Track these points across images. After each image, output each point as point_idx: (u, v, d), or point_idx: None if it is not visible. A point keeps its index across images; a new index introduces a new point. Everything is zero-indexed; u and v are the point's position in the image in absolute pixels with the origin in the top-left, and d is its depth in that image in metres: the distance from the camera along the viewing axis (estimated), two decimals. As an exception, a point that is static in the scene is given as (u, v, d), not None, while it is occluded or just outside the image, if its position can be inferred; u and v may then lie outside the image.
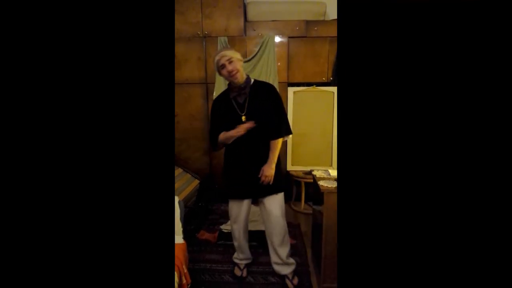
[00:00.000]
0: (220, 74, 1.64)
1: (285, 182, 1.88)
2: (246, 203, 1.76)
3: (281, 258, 1.78)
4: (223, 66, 1.59)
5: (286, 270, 1.80)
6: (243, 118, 1.63)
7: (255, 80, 1.72)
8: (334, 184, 1.70)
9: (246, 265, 1.97)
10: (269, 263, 1.98)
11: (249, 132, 1.60)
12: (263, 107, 1.64)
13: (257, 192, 1.71)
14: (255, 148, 1.65)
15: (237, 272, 1.94)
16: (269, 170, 1.64)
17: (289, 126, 1.71)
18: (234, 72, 1.58)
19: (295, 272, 1.83)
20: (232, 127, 1.62)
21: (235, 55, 1.60)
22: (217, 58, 1.59)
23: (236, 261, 1.98)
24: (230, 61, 1.58)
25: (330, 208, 1.67)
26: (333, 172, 1.94)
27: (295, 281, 1.80)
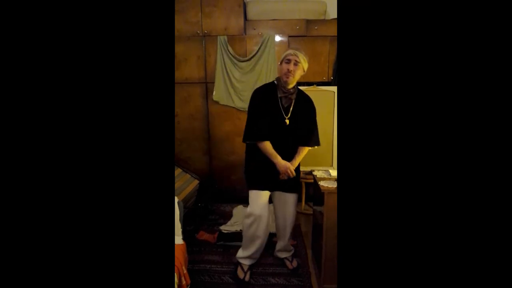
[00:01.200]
0: (280, 65, 1.69)
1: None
2: (265, 194, 1.83)
3: (286, 245, 1.98)
4: (289, 61, 1.64)
5: (287, 254, 2.03)
6: (287, 121, 1.74)
7: (300, 90, 1.81)
8: (334, 185, 1.69)
9: (250, 267, 1.92)
10: (269, 264, 1.98)
11: (290, 135, 1.75)
12: (303, 117, 1.77)
13: (280, 187, 1.83)
14: (287, 150, 1.77)
15: (240, 274, 1.87)
16: (287, 169, 1.74)
17: (318, 138, 1.84)
18: (291, 74, 1.64)
19: (293, 256, 2.05)
20: (275, 125, 1.72)
21: (303, 64, 1.66)
22: (290, 51, 1.65)
23: (241, 260, 1.91)
24: (296, 63, 1.64)
25: (330, 209, 1.67)
26: (334, 172, 1.93)
27: (294, 263, 1.99)
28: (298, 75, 1.67)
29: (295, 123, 1.75)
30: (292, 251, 2.06)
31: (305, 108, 1.78)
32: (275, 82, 1.76)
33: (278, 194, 1.88)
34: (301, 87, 2.81)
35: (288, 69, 1.63)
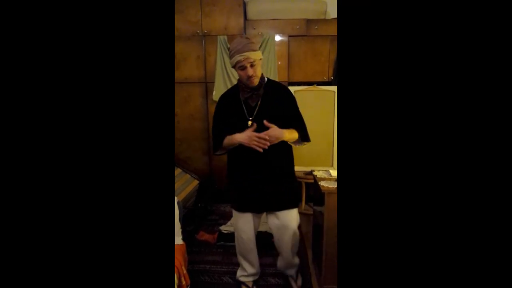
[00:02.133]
0: (237, 71, 1.43)
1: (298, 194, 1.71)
2: (255, 217, 1.59)
3: (290, 262, 1.73)
4: (243, 67, 1.39)
5: (291, 271, 1.79)
6: (249, 123, 1.45)
7: (268, 80, 1.53)
8: (335, 185, 1.69)
9: (255, 282, 1.78)
10: (269, 265, 1.97)
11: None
12: (276, 112, 1.45)
13: (269, 206, 1.53)
14: (265, 154, 1.41)
15: None
16: (275, 133, 1.38)
17: (307, 133, 1.54)
18: (253, 78, 1.40)
19: (298, 271, 1.81)
20: (237, 131, 1.45)
21: (258, 57, 1.39)
22: (239, 57, 1.36)
23: (242, 279, 1.75)
24: (252, 65, 1.38)
25: (331, 209, 1.66)
26: (334, 173, 1.93)
27: (299, 282, 1.79)
28: (260, 69, 1.43)
29: (263, 121, 1.41)
30: (297, 266, 1.78)
31: (277, 102, 1.47)
32: (238, 83, 1.52)
33: (271, 215, 1.58)
34: (301, 87, 2.84)
35: (248, 75, 1.39)
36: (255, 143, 1.37)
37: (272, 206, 1.54)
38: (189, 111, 2.96)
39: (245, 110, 1.49)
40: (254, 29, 2.86)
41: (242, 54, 1.36)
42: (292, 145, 1.56)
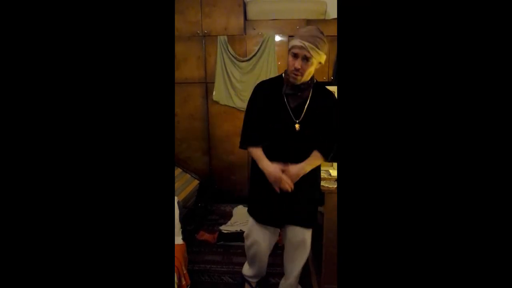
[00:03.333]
0: (288, 57, 1.27)
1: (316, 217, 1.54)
2: (273, 230, 1.49)
3: (292, 285, 1.63)
4: (296, 56, 1.23)
5: None
6: (297, 126, 1.31)
7: (317, 83, 1.37)
8: (335, 185, 1.69)
9: (258, 283, 1.75)
10: (269, 265, 1.97)
11: (298, 145, 1.33)
12: (321, 122, 1.32)
13: (284, 220, 1.43)
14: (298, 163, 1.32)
15: None
16: (295, 174, 1.29)
17: (335, 152, 1.36)
18: (299, 73, 1.25)
19: None
20: (281, 131, 1.33)
21: (318, 57, 1.23)
22: (297, 42, 1.20)
23: (248, 278, 1.70)
24: (306, 58, 1.22)
25: (331, 209, 1.66)
26: (334, 173, 1.93)
27: None
28: (309, 73, 1.27)
29: (310, 126, 1.32)
30: None
31: (324, 106, 1.33)
32: (283, 75, 1.36)
33: (288, 229, 1.47)
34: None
35: (294, 67, 1.23)
36: (278, 185, 1.29)
37: (290, 220, 1.43)
38: (189, 111, 2.96)
39: (290, 111, 1.32)
40: (254, 29, 2.86)
41: (304, 42, 1.19)
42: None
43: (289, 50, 1.26)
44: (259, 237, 1.49)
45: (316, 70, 3.06)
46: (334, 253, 1.69)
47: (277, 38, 2.80)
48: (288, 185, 1.29)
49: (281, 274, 1.91)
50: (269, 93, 1.36)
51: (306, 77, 1.28)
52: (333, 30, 2.79)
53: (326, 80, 2.88)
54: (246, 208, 2.84)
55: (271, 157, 1.34)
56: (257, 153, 1.36)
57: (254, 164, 1.42)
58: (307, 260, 1.93)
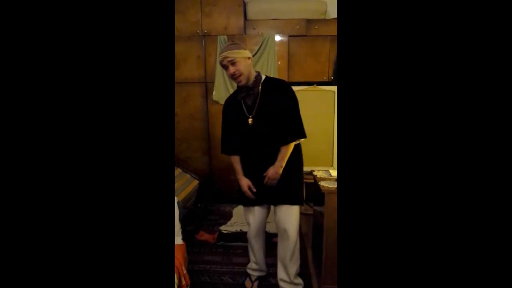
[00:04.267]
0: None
1: (303, 194, 1.71)
2: (258, 210, 1.65)
3: (288, 276, 1.64)
4: (226, 67, 1.47)
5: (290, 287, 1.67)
6: (250, 120, 1.51)
7: (266, 78, 1.56)
8: (335, 185, 1.69)
9: (258, 278, 1.82)
10: (269, 265, 1.97)
11: (259, 136, 1.52)
12: (274, 109, 1.49)
13: (269, 199, 1.61)
14: (266, 152, 1.53)
15: (248, 284, 1.81)
16: (274, 173, 1.51)
17: (302, 129, 1.55)
18: (236, 75, 1.46)
19: None
20: (240, 130, 1.55)
21: (239, 55, 1.43)
22: (219, 58, 1.47)
23: (249, 271, 1.83)
24: (232, 63, 1.44)
25: (331, 209, 1.66)
26: (334, 173, 1.93)
27: None
28: (244, 67, 1.46)
29: (263, 119, 1.50)
30: (301, 287, 1.70)
31: (276, 97, 1.50)
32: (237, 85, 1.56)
33: (275, 208, 1.62)
34: (301, 87, 2.84)
35: (231, 74, 1.46)
36: (248, 193, 1.57)
37: (273, 200, 1.61)
38: (189, 111, 2.95)
39: (244, 109, 1.55)
40: (254, 29, 2.85)
41: (221, 55, 1.45)
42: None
43: (222, 68, 1.52)
44: (248, 219, 1.70)
45: (316, 70, 3.02)
46: (334, 253, 1.69)
47: (277, 38, 2.80)
48: (272, 181, 1.53)
49: (281, 274, 1.91)
50: (231, 103, 1.62)
51: (248, 76, 1.49)
52: (333, 30, 2.79)
53: (326, 80, 2.88)
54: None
55: (241, 151, 1.60)
56: (234, 163, 1.63)
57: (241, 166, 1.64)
58: (307, 260, 1.93)
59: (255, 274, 1.82)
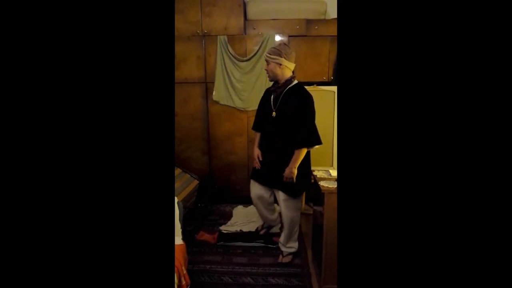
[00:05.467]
0: None
1: (305, 188, 2.00)
2: (256, 184, 2.06)
3: (283, 242, 2.04)
4: (267, 62, 1.84)
5: (285, 251, 2.06)
6: (273, 113, 1.88)
7: (296, 85, 1.88)
8: (334, 185, 1.69)
9: (267, 227, 2.34)
10: (269, 265, 1.97)
11: (274, 129, 1.87)
12: (289, 111, 1.81)
13: (270, 182, 1.99)
14: (274, 141, 1.89)
15: (259, 226, 2.39)
16: (289, 173, 1.81)
17: (317, 136, 1.81)
18: (267, 72, 1.87)
19: (293, 255, 2.08)
20: (265, 117, 1.93)
21: (274, 59, 1.79)
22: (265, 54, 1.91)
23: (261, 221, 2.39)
24: (267, 62, 1.83)
25: (330, 209, 1.66)
26: (334, 173, 1.93)
27: (286, 259, 2.05)
28: (275, 68, 1.82)
29: (281, 116, 1.84)
30: (293, 250, 2.06)
31: (293, 102, 1.80)
32: None
33: (275, 190, 2.02)
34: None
35: (266, 69, 1.87)
36: (255, 162, 2.02)
37: (274, 185, 1.96)
38: (189, 111, 2.95)
39: (271, 102, 1.91)
40: (254, 29, 2.85)
41: (266, 54, 1.85)
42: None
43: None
44: (252, 188, 2.10)
45: (316, 70, 3.02)
46: (334, 253, 1.69)
47: (277, 38, 2.80)
48: (288, 180, 1.83)
49: (281, 274, 1.91)
50: (265, 93, 2.02)
51: (276, 75, 1.84)
52: (333, 30, 2.78)
53: (326, 80, 2.88)
54: (246, 208, 2.83)
55: (263, 135, 2.00)
56: (256, 137, 2.09)
57: (259, 145, 2.05)
58: (307, 260, 1.92)
59: (264, 225, 2.34)
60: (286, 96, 1.84)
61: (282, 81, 1.85)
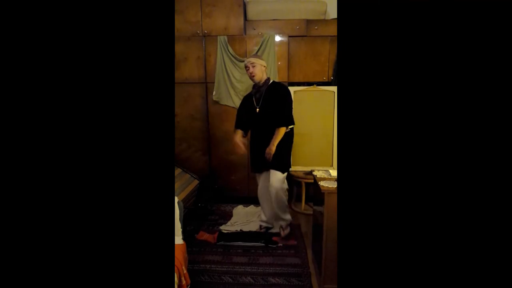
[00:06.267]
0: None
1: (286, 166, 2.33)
2: (261, 176, 2.35)
3: (277, 215, 2.33)
4: (247, 68, 2.17)
5: (283, 224, 2.34)
6: (257, 110, 2.22)
7: (273, 82, 2.25)
8: (334, 185, 1.69)
9: (267, 228, 2.48)
10: (269, 265, 1.97)
11: (262, 121, 2.18)
12: (272, 103, 2.17)
13: (263, 167, 2.27)
14: (264, 135, 2.18)
15: (258, 229, 2.50)
16: (268, 150, 2.13)
17: (291, 118, 2.18)
18: (252, 74, 2.17)
19: (288, 226, 2.37)
20: (250, 116, 2.25)
21: (259, 62, 2.16)
22: (245, 62, 2.20)
23: (260, 223, 2.51)
24: (253, 65, 2.15)
25: (330, 209, 1.66)
26: (334, 173, 1.93)
27: (287, 230, 2.35)
28: (259, 71, 2.17)
29: (265, 109, 2.19)
30: (287, 221, 2.36)
31: (275, 95, 2.18)
32: (253, 86, 2.29)
33: (265, 173, 2.35)
34: (301, 87, 2.85)
35: (249, 73, 2.18)
36: (237, 148, 2.30)
37: (265, 167, 2.27)
38: (189, 111, 2.95)
39: (254, 101, 2.25)
40: (254, 29, 2.86)
41: (247, 60, 2.19)
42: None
43: (245, 69, 2.23)
44: (257, 182, 2.41)
45: (316, 71, 3.03)
46: (334, 253, 1.69)
47: (277, 38, 2.80)
48: (269, 155, 2.15)
49: (281, 274, 1.91)
50: (246, 96, 2.37)
51: (260, 77, 2.19)
52: (333, 30, 2.79)
53: (326, 80, 2.88)
54: (246, 208, 2.84)
55: (248, 129, 2.34)
56: (236, 133, 2.35)
57: (250, 142, 2.36)
58: (307, 260, 1.92)
59: (263, 225, 2.48)
60: (267, 93, 2.20)
61: (263, 81, 2.20)
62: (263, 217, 2.49)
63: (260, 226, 2.51)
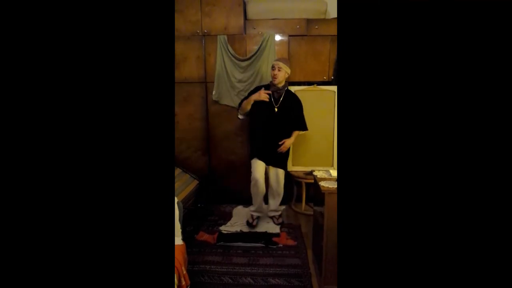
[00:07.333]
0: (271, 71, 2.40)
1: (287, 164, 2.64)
2: (259, 163, 2.47)
3: (274, 208, 2.62)
4: (273, 68, 2.34)
5: (275, 213, 2.65)
6: (276, 109, 2.41)
7: (288, 89, 2.50)
8: (335, 185, 1.69)
9: (258, 218, 2.62)
10: (269, 265, 1.97)
11: (278, 120, 2.41)
12: (290, 108, 2.45)
13: (273, 162, 2.50)
14: (277, 131, 2.43)
15: (250, 220, 2.57)
16: (286, 144, 2.43)
17: (305, 125, 2.52)
18: (275, 77, 2.35)
19: (280, 216, 2.67)
20: (267, 112, 2.40)
21: (285, 68, 2.34)
22: (273, 62, 2.38)
23: (252, 212, 2.59)
24: (279, 69, 2.32)
25: (331, 209, 1.66)
26: (334, 173, 1.92)
27: (281, 219, 2.66)
28: (282, 76, 2.35)
29: (283, 111, 2.42)
30: (280, 212, 2.67)
31: (292, 102, 2.46)
32: (269, 83, 2.47)
33: (271, 168, 2.55)
34: (302, 87, 2.85)
35: (273, 74, 2.35)
36: (263, 96, 2.35)
37: (273, 163, 2.51)
38: (189, 111, 2.95)
39: (273, 101, 2.41)
40: (254, 28, 2.85)
41: (276, 61, 2.36)
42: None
43: (271, 66, 2.41)
44: (254, 168, 2.48)
45: (316, 70, 3.06)
46: (334, 253, 1.69)
47: (277, 37, 2.79)
48: (285, 148, 2.47)
49: (281, 275, 1.91)
50: (259, 88, 2.47)
51: (281, 82, 2.38)
52: (333, 30, 2.78)
53: (326, 80, 2.88)
54: (246, 209, 2.84)
55: (265, 124, 2.46)
56: (244, 102, 2.51)
57: (251, 128, 2.65)
58: (307, 260, 1.92)
59: (255, 214, 2.58)
60: (286, 97, 2.43)
61: (281, 85, 2.39)
62: (254, 208, 2.62)
63: (252, 216, 2.62)
